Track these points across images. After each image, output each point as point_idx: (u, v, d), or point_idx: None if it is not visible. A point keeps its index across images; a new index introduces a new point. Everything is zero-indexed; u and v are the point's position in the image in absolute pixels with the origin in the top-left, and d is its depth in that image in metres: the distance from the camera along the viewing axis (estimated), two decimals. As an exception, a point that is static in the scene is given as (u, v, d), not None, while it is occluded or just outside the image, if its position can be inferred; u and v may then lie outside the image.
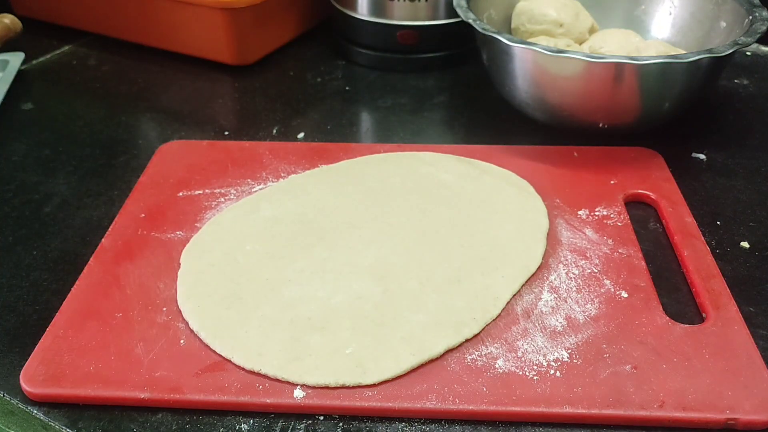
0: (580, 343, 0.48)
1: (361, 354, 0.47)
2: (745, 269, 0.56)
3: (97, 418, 0.45)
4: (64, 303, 0.52)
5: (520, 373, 0.46)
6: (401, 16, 0.84)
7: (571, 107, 0.67)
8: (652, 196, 0.62)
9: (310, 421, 0.44)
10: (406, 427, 0.44)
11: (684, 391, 0.45)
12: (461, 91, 0.84)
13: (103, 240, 0.58)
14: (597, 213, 0.60)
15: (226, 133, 0.75)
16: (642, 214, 0.62)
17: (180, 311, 0.51)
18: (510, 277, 0.53)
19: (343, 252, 0.56)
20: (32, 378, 0.46)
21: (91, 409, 0.45)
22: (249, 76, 0.86)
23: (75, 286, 0.53)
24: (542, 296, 0.52)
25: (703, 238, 0.57)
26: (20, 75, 0.83)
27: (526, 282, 0.53)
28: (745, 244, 0.58)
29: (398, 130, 0.76)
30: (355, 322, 0.49)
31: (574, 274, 0.54)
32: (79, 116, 0.79)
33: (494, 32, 0.66)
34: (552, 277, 0.54)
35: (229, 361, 0.47)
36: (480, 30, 0.67)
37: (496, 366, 0.47)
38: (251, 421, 0.44)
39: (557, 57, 0.62)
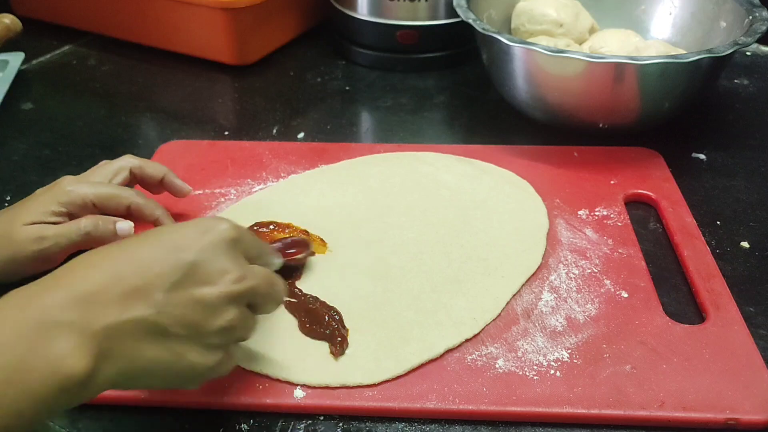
0: (580, 343, 0.48)
1: (361, 354, 0.47)
2: (745, 269, 0.56)
3: (97, 418, 0.45)
4: (64, 303, 0.51)
5: (520, 373, 0.46)
6: (401, 16, 0.84)
7: (571, 107, 0.67)
8: (652, 196, 0.62)
9: (310, 421, 0.44)
10: (406, 427, 0.44)
11: (684, 391, 0.45)
12: (461, 91, 0.84)
13: (103, 240, 0.58)
14: (597, 213, 0.60)
15: (226, 133, 0.75)
16: (642, 214, 0.62)
17: (180, 311, 0.51)
18: (510, 277, 0.53)
19: (344, 252, 0.56)
20: (32, 378, 0.46)
21: (90, 409, 0.45)
22: (249, 76, 0.86)
23: (75, 286, 0.53)
24: (542, 296, 0.52)
25: (703, 238, 0.57)
26: (20, 75, 0.83)
27: (526, 282, 0.53)
28: (745, 244, 0.58)
29: (398, 130, 0.76)
30: (355, 322, 0.49)
31: (574, 274, 0.54)
32: (79, 116, 0.79)
33: (494, 32, 0.66)
34: (552, 277, 0.54)
35: (229, 361, 0.47)
36: (480, 30, 0.67)
37: (496, 366, 0.47)
38: (251, 421, 0.44)
39: (557, 57, 0.62)
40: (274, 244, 0.53)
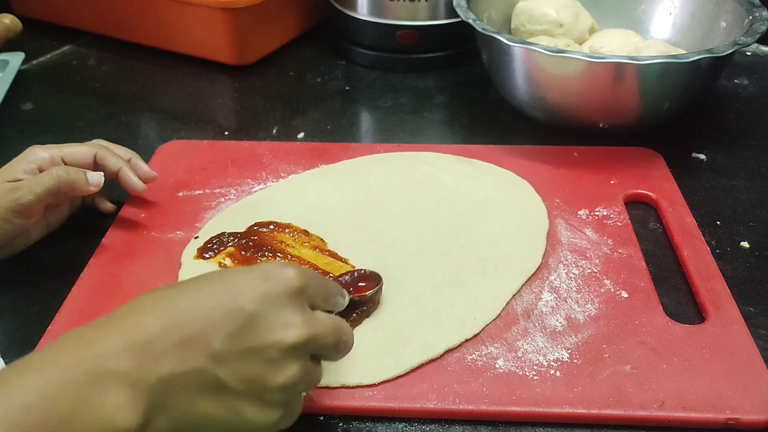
0: (580, 343, 0.48)
1: (361, 354, 0.47)
2: (745, 269, 0.56)
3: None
4: (64, 303, 0.52)
5: (520, 373, 0.46)
6: (401, 16, 0.84)
7: (571, 107, 0.67)
8: (652, 196, 0.62)
9: (310, 421, 0.44)
10: (406, 427, 0.44)
11: (684, 391, 0.45)
12: (461, 91, 0.84)
13: (103, 240, 0.58)
14: (597, 213, 0.60)
15: (226, 133, 0.75)
16: (642, 214, 0.62)
17: (180, 311, 0.51)
18: (510, 277, 0.53)
19: (343, 252, 0.56)
20: (32, 378, 0.46)
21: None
22: (249, 76, 0.86)
23: (75, 285, 0.53)
24: (542, 296, 0.52)
25: (703, 238, 0.57)
26: (20, 75, 0.83)
27: (526, 282, 0.53)
28: (745, 244, 0.58)
29: (398, 130, 0.76)
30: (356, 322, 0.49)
31: (574, 274, 0.54)
32: (79, 116, 0.79)
33: (494, 32, 0.66)
34: (552, 277, 0.54)
35: (229, 361, 0.47)
36: (480, 30, 0.67)
37: (496, 366, 0.47)
38: (251, 421, 0.44)
39: (557, 57, 0.62)
40: (341, 278, 0.51)
